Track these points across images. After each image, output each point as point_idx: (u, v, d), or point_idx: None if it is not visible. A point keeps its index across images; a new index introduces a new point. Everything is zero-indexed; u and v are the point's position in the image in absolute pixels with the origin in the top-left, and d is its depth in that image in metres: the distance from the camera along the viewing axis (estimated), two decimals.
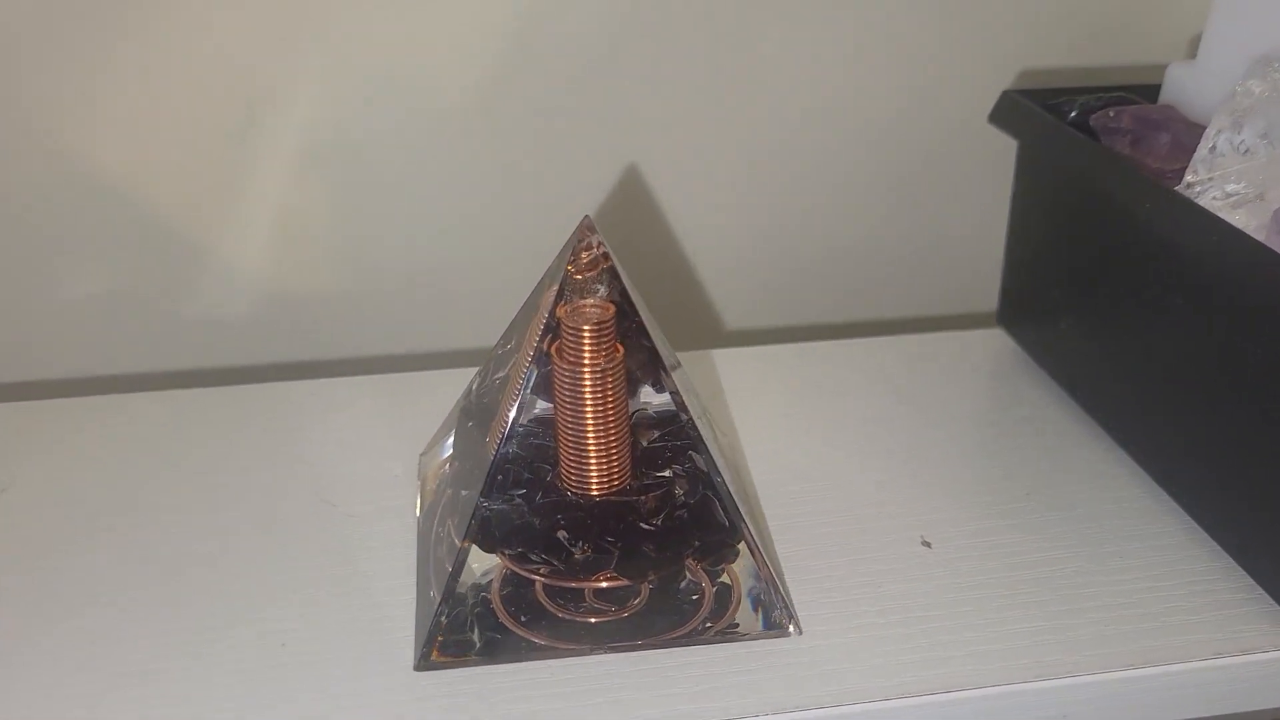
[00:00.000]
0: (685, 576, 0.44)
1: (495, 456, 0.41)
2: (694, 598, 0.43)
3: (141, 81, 0.57)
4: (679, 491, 0.43)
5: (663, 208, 0.66)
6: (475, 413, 0.45)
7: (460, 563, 0.41)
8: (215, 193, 0.61)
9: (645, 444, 0.43)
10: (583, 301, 0.41)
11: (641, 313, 0.41)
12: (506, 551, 0.41)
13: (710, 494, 0.42)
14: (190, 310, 0.63)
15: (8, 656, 0.41)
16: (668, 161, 0.64)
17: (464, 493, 0.43)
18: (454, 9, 0.58)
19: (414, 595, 0.44)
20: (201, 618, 0.43)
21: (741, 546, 0.43)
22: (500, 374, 0.44)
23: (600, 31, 0.60)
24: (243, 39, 0.57)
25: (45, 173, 0.59)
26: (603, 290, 0.41)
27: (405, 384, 0.58)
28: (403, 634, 0.42)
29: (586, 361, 0.40)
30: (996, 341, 0.62)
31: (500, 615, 0.42)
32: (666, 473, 0.43)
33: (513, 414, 0.41)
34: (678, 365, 0.44)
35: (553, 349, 0.41)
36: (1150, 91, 0.56)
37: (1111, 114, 0.52)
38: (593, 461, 0.41)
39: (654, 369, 0.42)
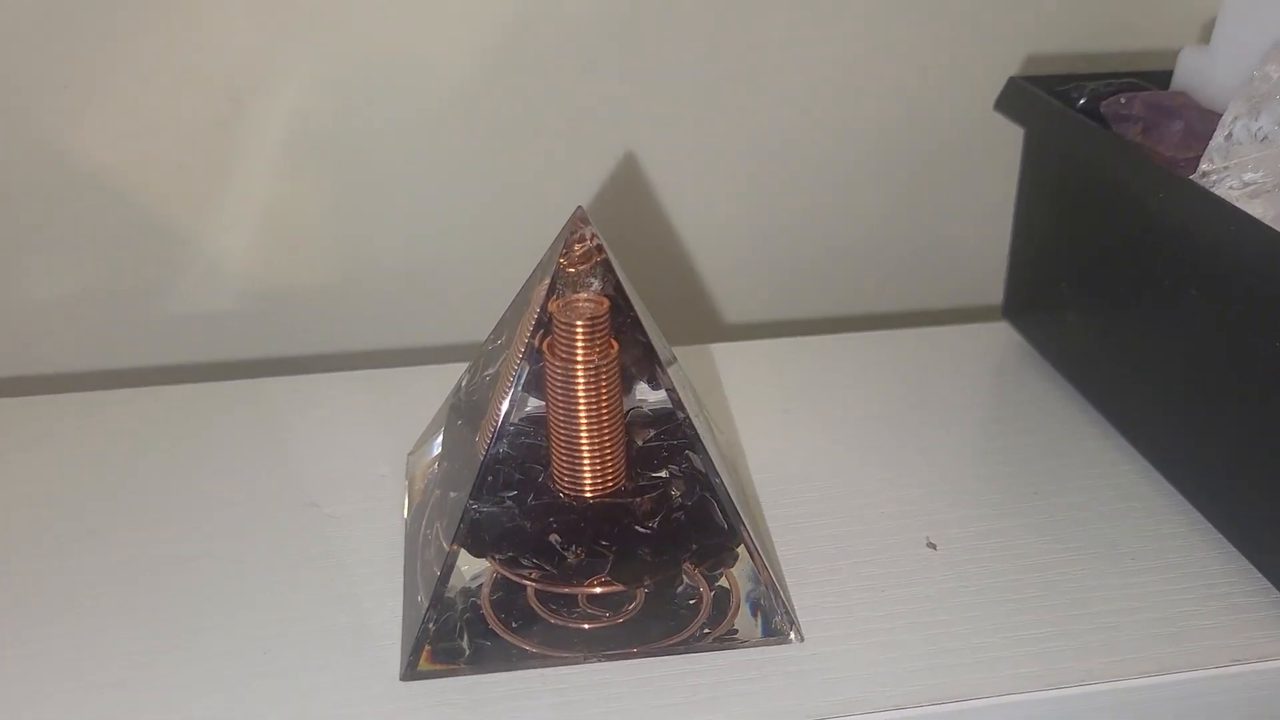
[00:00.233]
0: (682, 581, 0.43)
1: (485, 457, 0.40)
2: (691, 603, 0.42)
3: (127, 71, 0.56)
4: (676, 493, 0.42)
5: (660, 199, 0.65)
6: (465, 410, 0.44)
7: (449, 567, 0.40)
8: (200, 185, 0.60)
9: (641, 443, 0.42)
10: (575, 295, 0.39)
11: (636, 307, 0.40)
12: (497, 556, 0.40)
13: (708, 495, 0.41)
14: (175, 305, 0.63)
15: None
16: (665, 152, 0.64)
17: (453, 494, 0.42)
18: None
19: (401, 600, 0.43)
20: (180, 623, 0.42)
21: (740, 550, 0.42)
22: (490, 370, 0.43)
23: (599, 24, 0.60)
24: (232, 29, 0.56)
25: (25, 164, 0.58)
26: (596, 284, 0.40)
27: (393, 380, 0.57)
28: (389, 641, 0.41)
29: (579, 358, 0.39)
30: (1002, 335, 0.61)
31: (491, 621, 0.41)
32: (663, 473, 0.42)
33: (503, 412, 0.40)
34: (674, 361, 0.43)
35: (544, 345, 0.39)
36: (1162, 78, 0.55)
37: (1122, 100, 0.52)
38: (586, 462, 0.40)
39: (649, 365, 0.41)
